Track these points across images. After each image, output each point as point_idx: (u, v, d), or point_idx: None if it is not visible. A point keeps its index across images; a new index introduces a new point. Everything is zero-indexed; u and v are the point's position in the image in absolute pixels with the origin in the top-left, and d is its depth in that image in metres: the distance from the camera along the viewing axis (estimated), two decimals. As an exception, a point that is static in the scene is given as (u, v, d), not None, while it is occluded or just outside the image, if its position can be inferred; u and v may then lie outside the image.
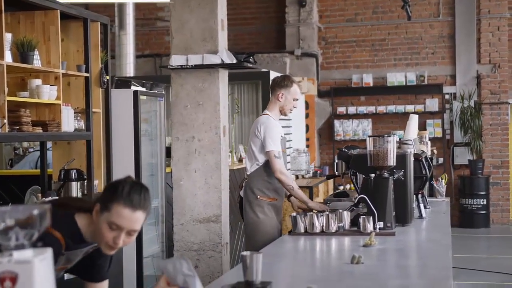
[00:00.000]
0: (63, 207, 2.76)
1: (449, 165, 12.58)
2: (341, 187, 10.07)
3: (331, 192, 10.38)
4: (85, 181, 5.68)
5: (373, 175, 4.38)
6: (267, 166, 5.13)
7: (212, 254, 5.56)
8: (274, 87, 5.30)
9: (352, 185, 5.82)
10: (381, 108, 12.66)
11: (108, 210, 2.58)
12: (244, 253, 2.71)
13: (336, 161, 5.12)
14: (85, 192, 5.69)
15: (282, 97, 5.25)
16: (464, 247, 10.44)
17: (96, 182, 5.85)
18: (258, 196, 5.18)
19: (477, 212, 12.14)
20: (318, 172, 10.81)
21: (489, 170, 12.41)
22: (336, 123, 12.78)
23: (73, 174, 5.50)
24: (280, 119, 5.33)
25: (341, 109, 12.79)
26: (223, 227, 5.62)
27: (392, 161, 4.38)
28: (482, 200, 12.12)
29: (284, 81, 5.29)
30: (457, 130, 12.36)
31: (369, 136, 4.45)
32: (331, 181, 10.94)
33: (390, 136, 4.43)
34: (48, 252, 1.81)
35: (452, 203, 12.29)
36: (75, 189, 5.48)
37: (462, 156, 12.45)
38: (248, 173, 5.29)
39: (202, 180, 5.57)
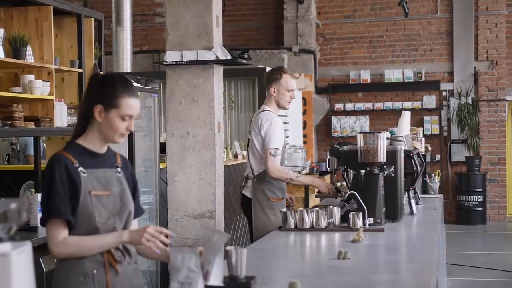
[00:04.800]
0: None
1: (446, 161, 12.59)
2: (339, 184, 10.06)
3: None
4: (79, 176, 5.67)
5: (363, 171, 4.39)
6: None
7: (206, 250, 5.56)
8: (266, 82, 5.28)
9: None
10: (379, 105, 12.67)
11: (116, 107, 2.82)
12: (229, 248, 2.73)
13: (328, 157, 5.12)
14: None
15: (275, 91, 5.22)
16: (461, 243, 10.46)
17: (89, 177, 5.85)
18: (270, 198, 5.14)
19: (474, 209, 12.15)
20: (315, 168, 10.81)
21: (486, 167, 12.42)
22: (334, 119, 12.79)
23: (67, 169, 5.49)
24: (278, 115, 5.30)
25: (338, 106, 12.81)
26: (218, 223, 5.61)
27: (382, 157, 4.39)
28: (478, 196, 12.14)
29: (273, 75, 5.24)
30: (454, 127, 12.37)
31: (360, 133, 4.46)
32: (328, 177, 10.95)
33: (380, 132, 4.44)
34: (27, 246, 1.83)
35: (449, 200, 12.36)
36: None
37: (459, 153, 12.47)
38: (255, 173, 5.21)
39: (197, 176, 5.57)
